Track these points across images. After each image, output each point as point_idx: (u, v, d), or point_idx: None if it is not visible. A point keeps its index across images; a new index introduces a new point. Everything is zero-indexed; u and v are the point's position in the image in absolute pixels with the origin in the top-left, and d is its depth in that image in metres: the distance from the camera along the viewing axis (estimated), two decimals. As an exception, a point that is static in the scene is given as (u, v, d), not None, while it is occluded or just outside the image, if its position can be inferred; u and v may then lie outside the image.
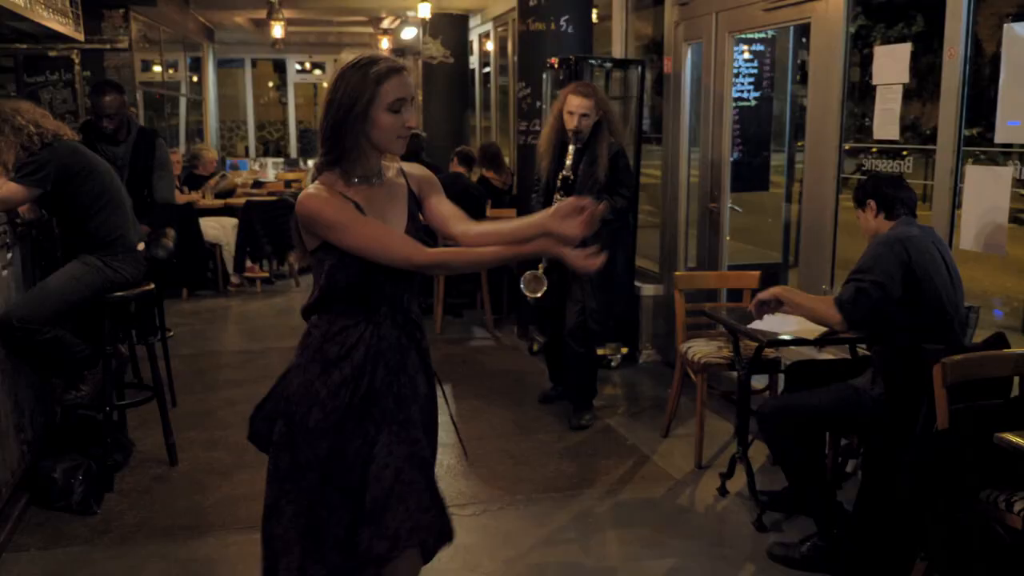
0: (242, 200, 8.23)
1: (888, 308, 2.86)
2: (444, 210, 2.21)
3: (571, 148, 4.18)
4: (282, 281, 8.54)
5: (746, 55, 5.60)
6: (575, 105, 4.16)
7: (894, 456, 2.78)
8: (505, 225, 2.12)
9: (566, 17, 5.76)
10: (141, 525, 3.45)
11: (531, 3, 5.78)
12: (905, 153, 3.74)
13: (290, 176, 12.01)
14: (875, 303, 2.85)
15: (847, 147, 4.09)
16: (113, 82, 4.81)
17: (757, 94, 5.72)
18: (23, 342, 3.45)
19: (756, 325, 3.48)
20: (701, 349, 4.04)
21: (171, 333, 5.00)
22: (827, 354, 3.93)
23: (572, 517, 3.55)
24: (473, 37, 10.03)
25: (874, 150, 3.91)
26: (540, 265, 4.18)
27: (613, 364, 5.59)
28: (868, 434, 3.05)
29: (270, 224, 8.12)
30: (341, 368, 2.08)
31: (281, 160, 13.79)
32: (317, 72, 15.90)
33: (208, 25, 11.19)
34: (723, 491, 3.70)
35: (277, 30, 10.13)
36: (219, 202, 8.20)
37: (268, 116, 16.29)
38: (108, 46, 7.30)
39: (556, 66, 5.48)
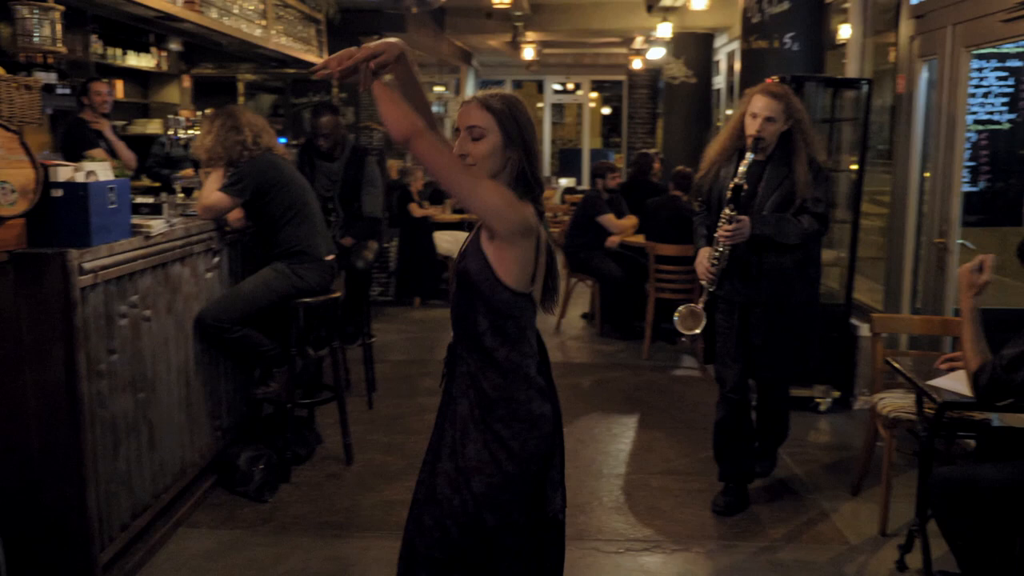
0: None
1: None
2: None
3: (748, 156, 3.47)
4: (510, 296, 8.73)
5: (999, 72, 4.95)
6: (759, 106, 3.49)
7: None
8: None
9: (791, 34, 5.41)
10: (300, 518, 3.67)
11: (753, 20, 5.50)
12: None
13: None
14: (1012, 392, 2.51)
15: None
16: (330, 104, 5.21)
17: (1012, 116, 5.02)
18: (215, 339, 3.80)
19: (942, 381, 3.05)
20: (894, 402, 3.60)
21: (373, 339, 5.28)
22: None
23: (719, 569, 3.30)
24: (720, 56, 9.73)
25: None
26: (700, 299, 3.71)
27: (821, 408, 5.14)
28: (1058, 522, 2.55)
29: (499, 240, 8.35)
30: None
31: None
32: (579, 92, 16.24)
33: (465, 49, 11.81)
34: (901, 565, 3.26)
35: (528, 52, 10.46)
36: (456, 216, 8.58)
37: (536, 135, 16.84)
38: (362, 71, 7.88)
39: (775, 86, 5.15)
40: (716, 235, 3.53)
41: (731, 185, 3.49)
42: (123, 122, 7.27)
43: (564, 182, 13.38)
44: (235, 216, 4.03)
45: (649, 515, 3.75)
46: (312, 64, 6.32)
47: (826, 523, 3.69)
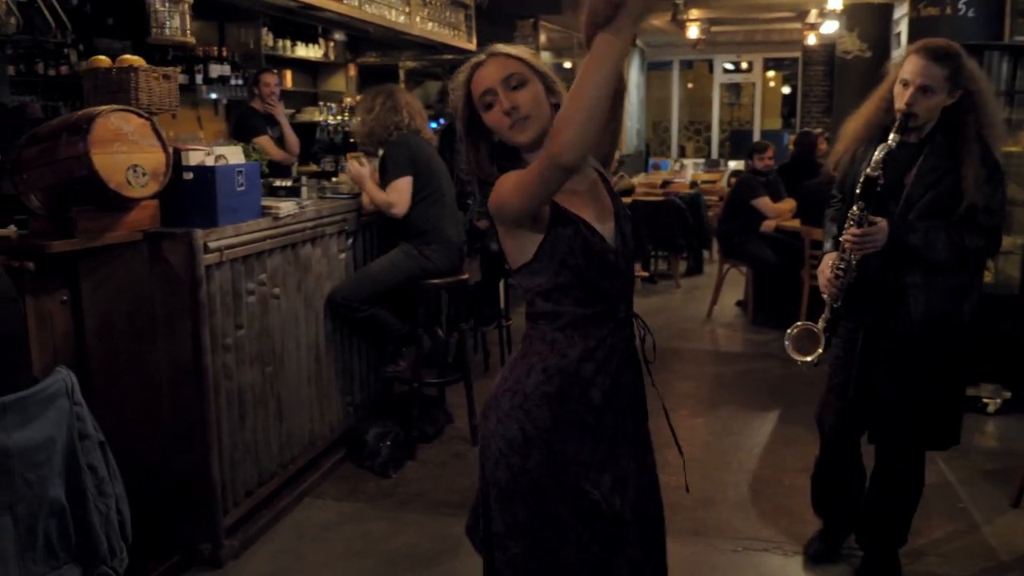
0: (651, 198, 8.48)
1: None
2: None
3: (892, 137, 2.60)
4: (665, 282, 8.57)
5: None
6: (913, 70, 2.60)
7: None
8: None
9: (966, -1, 4.94)
10: (420, 495, 3.74)
11: (923, -15, 5.07)
12: None
13: (705, 176, 12.02)
14: None
15: None
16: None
17: None
18: (345, 318, 3.93)
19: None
20: (1059, 405, 3.23)
21: (510, 321, 5.30)
22: None
23: (842, 576, 3.09)
24: (901, 27, 9.03)
25: None
26: (822, 316, 2.85)
27: (989, 409, 4.70)
28: None
29: (652, 224, 8.20)
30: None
31: (702, 160, 13.83)
32: (753, 71, 15.61)
33: (629, 29, 11.57)
34: (1056, 588, 2.93)
35: (692, 31, 10.16)
36: (609, 201, 8.46)
37: (706, 117, 16.41)
38: (517, 54, 7.92)
39: (944, 56, 4.72)
40: (842, 238, 2.73)
41: (863, 176, 2.64)
42: (292, 110, 7.65)
43: (732, 165, 12.94)
44: (367, 200, 4.15)
45: (775, 514, 3.56)
46: (464, 49, 6.41)
47: (975, 536, 3.37)
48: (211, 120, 7.28)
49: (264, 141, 6.05)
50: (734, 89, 16.15)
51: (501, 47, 1.90)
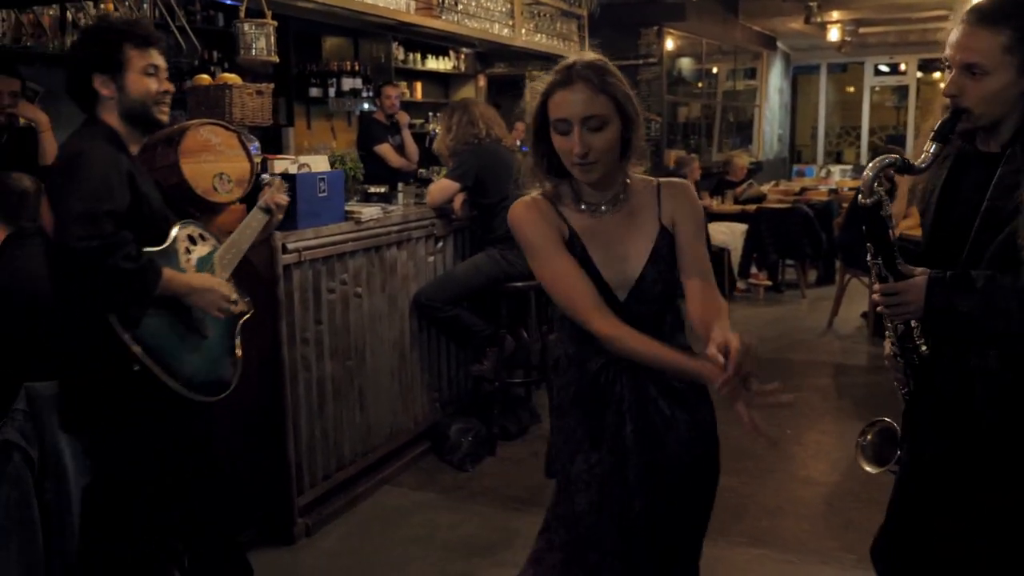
0: (777, 206, 8.33)
1: None
2: (686, 278, 1.86)
3: (927, 147, 1.85)
4: (791, 291, 8.34)
5: None
6: (953, 44, 1.82)
7: None
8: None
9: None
10: (491, 490, 3.89)
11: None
12: None
13: (851, 183, 11.56)
14: None
15: None
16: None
17: None
18: (429, 318, 4.15)
19: None
20: None
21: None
22: None
23: (898, 595, 2.99)
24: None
25: None
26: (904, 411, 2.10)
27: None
28: None
29: (778, 231, 8.02)
30: None
31: (849, 167, 13.27)
32: (913, 73, 14.83)
33: (766, 33, 11.32)
34: None
35: (833, 33, 9.84)
36: (735, 208, 8.36)
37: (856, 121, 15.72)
38: (641, 61, 7.97)
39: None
40: (873, 296, 2.01)
41: (863, 202, 1.87)
42: (421, 120, 8.03)
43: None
44: (458, 205, 4.35)
45: (842, 527, 3.48)
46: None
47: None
48: (344, 130, 7.75)
49: (385, 149, 6.43)
50: (900, 91, 15.36)
51: (592, 67, 1.75)
